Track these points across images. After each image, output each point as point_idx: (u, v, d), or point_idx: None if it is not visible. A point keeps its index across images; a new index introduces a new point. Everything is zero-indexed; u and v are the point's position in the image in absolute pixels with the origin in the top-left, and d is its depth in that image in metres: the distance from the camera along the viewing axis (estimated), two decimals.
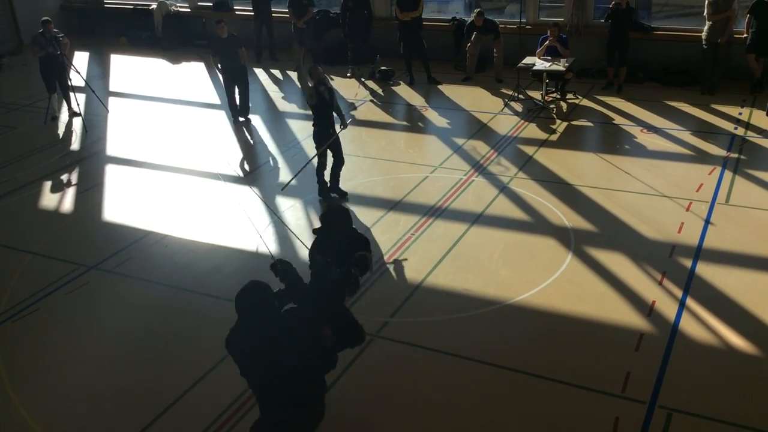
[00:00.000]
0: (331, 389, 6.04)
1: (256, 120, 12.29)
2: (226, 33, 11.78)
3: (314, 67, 8.99)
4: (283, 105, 13.26)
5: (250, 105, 12.23)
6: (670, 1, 15.15)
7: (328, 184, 9.29)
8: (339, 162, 9.20)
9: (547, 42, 12.28)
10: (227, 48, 11.76)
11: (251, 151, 11.28)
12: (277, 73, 15.11)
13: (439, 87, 13.57)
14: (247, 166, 10.69)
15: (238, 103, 12.12)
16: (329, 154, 9.17)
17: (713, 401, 5.73)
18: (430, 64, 13.74)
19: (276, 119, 12.56)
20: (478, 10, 13.36)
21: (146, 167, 10.83)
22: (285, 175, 10.23)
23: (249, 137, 11.75)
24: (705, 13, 12.06)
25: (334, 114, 9.03)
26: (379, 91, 13.68)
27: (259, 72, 15.10)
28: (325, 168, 9.22)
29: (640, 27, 13.31)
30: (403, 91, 13.62)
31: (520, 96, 12.55)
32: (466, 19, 14.21)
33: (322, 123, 8.95)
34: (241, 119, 12.18)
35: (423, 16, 13.65)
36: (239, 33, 16.25)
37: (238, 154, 11.16)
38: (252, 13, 15.59)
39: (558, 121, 11.63)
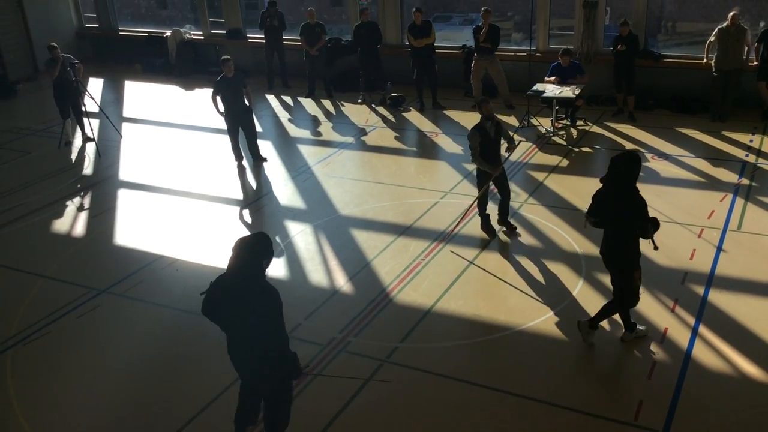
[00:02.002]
0: (339, 414, 6.03)
1: (266, 145, 12.35)
2: (233, 72, 11.01)
3: (484, 100, 8.30)
4: (294, 131, 13.35)
5: (260, 130, 12.20)
6: (681, 30, 15.25)
7: (497, 217, 8.89)
8: (505, 195, 8.74)
9: (550, 79, 12.40)
10: (231, 88, 11.02)
11: (262, 176, 11.33)
12: (288, 99, 15.24)
13: (450, 113, 13.64)
14: (256, 191, 10.75)
15: (247, 146, 11.51)
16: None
17: (726, 430, 5.66)
18: (438, 89, 13.85)
19: (287, 145, 12.64)
20: (486, 8, 13.04)
21: (158, 192, 10.91)
22: (295, 201, 10.27)
23: (260, 163, 11.80)
24: (711, 39, 12.17)
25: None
26: (390, 117, 13.77)
27: (271, 99, 15.24)
28: (486, 202, 8.78)
29: (650, 55, 13.37)
30: (414, 117, 13.70)
31: (528, 125, 12.57)
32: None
33: (487, 160, 8.37)
34: (256, 162, 11.62)
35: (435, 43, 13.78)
36: (252, 60, 16.57)
37: (250, 179, 11.23)
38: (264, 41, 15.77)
39: (568, 148, 11.65)
